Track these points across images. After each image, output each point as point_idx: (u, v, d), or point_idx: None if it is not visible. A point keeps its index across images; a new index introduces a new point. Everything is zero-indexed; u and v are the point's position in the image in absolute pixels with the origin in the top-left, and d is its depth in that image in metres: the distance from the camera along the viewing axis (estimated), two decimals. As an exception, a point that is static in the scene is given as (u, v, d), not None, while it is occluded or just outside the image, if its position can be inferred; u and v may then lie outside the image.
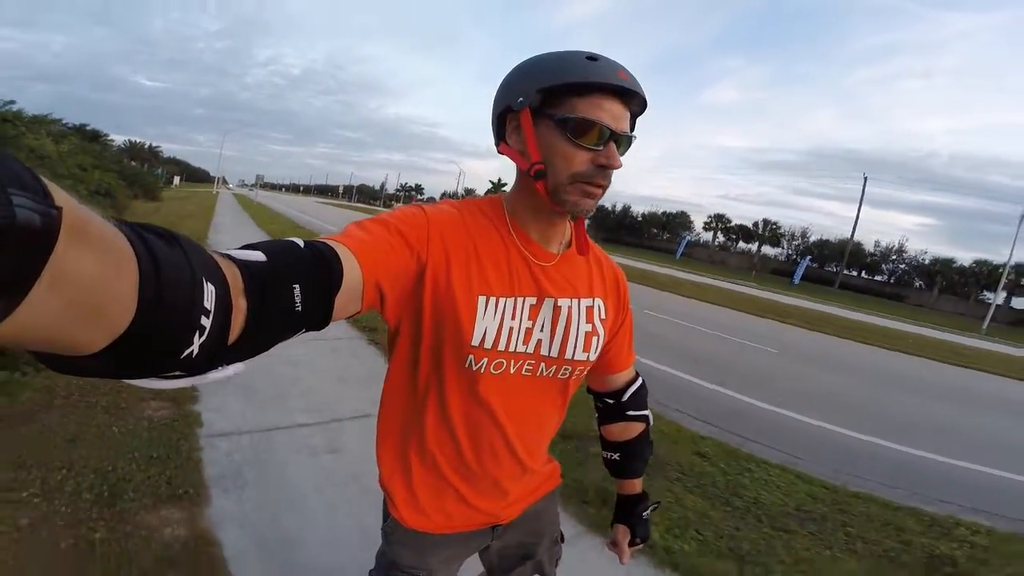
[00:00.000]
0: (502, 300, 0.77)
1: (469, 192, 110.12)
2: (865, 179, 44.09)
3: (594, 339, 0.86)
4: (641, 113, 0.78)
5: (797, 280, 38.23)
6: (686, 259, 49.73)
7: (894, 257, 51.72)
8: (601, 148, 0.71)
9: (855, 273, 53.51)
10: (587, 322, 0.85)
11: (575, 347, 0.84)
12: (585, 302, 0.85)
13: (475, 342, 0.76)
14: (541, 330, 0.81)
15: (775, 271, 51.08)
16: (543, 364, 0.83)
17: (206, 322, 0.34)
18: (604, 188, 0.75)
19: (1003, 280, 32.55)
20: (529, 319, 0.80)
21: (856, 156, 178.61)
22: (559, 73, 0.71)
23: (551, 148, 0.72)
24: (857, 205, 45.39)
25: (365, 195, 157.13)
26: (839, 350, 10.51)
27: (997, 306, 45.05)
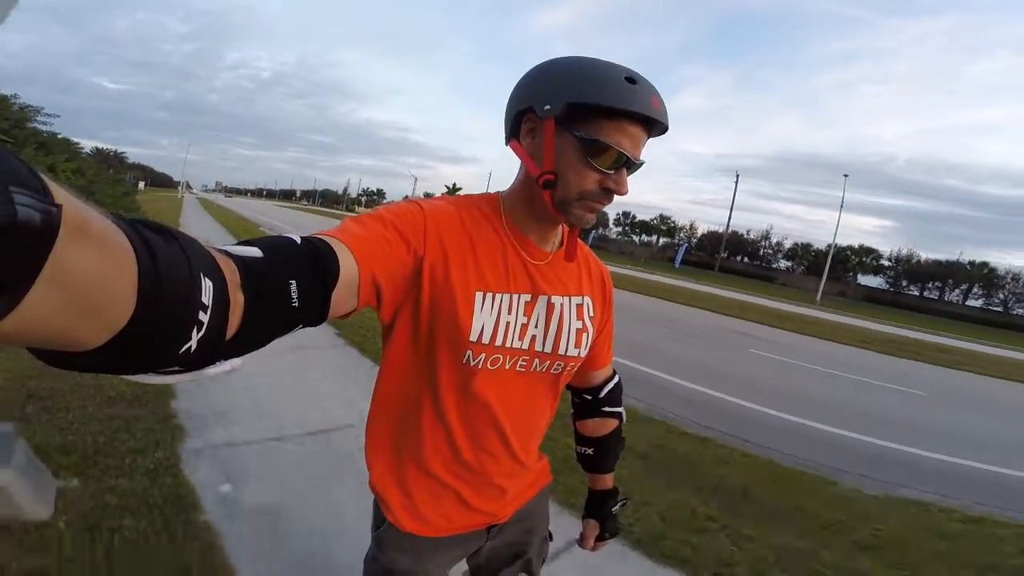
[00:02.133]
0: (498, 296, 0.77)
1: (429, 196, 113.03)
2: (737, 177, 51.83)
3: (584, 336, 0.87)
4: (658, 136, 0.78)
5: (678, 264, 45.02)
6: (597, 251, 55.97)
7: (763, 243, 60.14)
8: (612, 173, 0.72)
9: (738, 259, 61.60)
10: (578, 319, 0.86)
11: (568, 343, 0.84)
12: (576, 300, 0.86)
13: (473, 337, 0.75)
14: (536, 326, 0.81)
15: (669, 259, 58.12)
16: (537, 360, 0.83)
17: (204, 317, 0.34)
18: (606, 205, 0.76)
19: (828, 261, 40.10)
20: (524, 315, 0.80)
21: (819, 161, 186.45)
22: (596, 92, 0.68)
23: (566, 162, 0.72)
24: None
25: (328, 199, 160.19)
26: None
27: (847, 282, 53.29)
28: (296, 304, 0.46)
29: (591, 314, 0.89)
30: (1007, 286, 49.57)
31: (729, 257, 59.51)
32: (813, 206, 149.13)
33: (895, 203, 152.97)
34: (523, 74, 0.77)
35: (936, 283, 52.10)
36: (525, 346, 0.81)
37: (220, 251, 0.41)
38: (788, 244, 58.11)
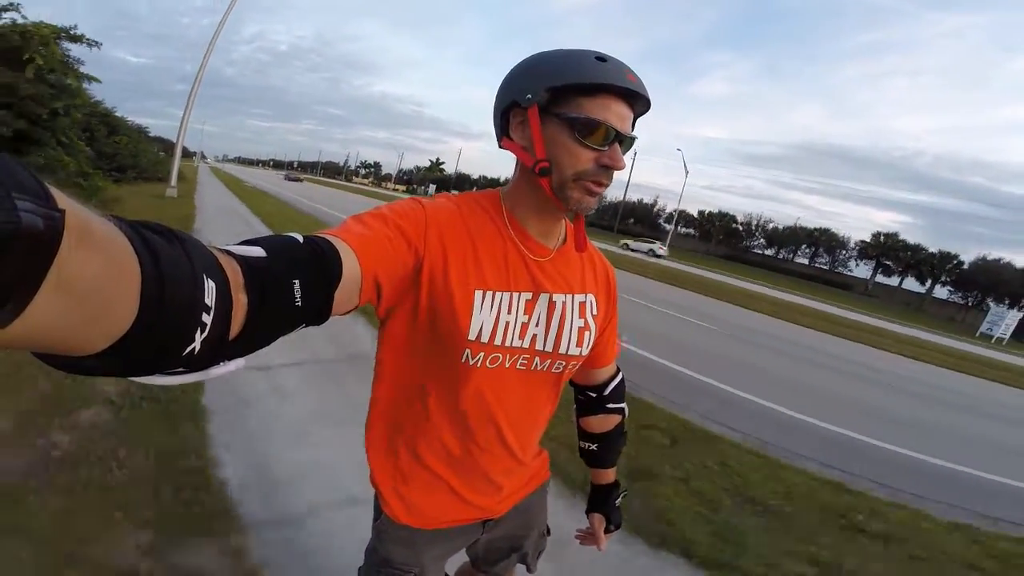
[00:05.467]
0: (498, 295, 0.77)
1: (420, 170, 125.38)
2: (635, 154, 62.86)
3: (586, 334, 0.86)
4: (644, 113, 0.78)
5: (575, 224, 57.04)
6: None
7: (657, 211, 72.45)
8: (606, 148, 0.72)
9: (642, 225, 73.60)
10: (580, 317, 0.85)
11: (569, 342, 0.83)
12: (579, 298, 0.85)
13: (472, 336, 0.75)
14: (536, 325, 0.81)
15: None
16: (538, 359, 0.82)
17: (207, 319, 0.33)
18: (606, 187, 0.75)
19: (675, 221, 51.79)
20: (525, 314, 0.79)
21: (842, 153, 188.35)
22: (570, 73, 0.70)
23: (557, 146, 0.72)
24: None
25: (330, 171, 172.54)
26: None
27: (710, 242, 65.06)
28: (300, 304, 0.46)
29: (594, 312, 0.88)
30: (835, 249, 61.35)
31: (635, 223, 71.70)
32: (831, 197, 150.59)
33: (918, 199, 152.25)
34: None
35: (789, 247, 63.94)
36: (525, 345, 0.80)
37: (223, 251, 0.41)
38: (668, 210, 70.06)
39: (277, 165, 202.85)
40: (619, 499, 1.13)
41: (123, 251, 0.27)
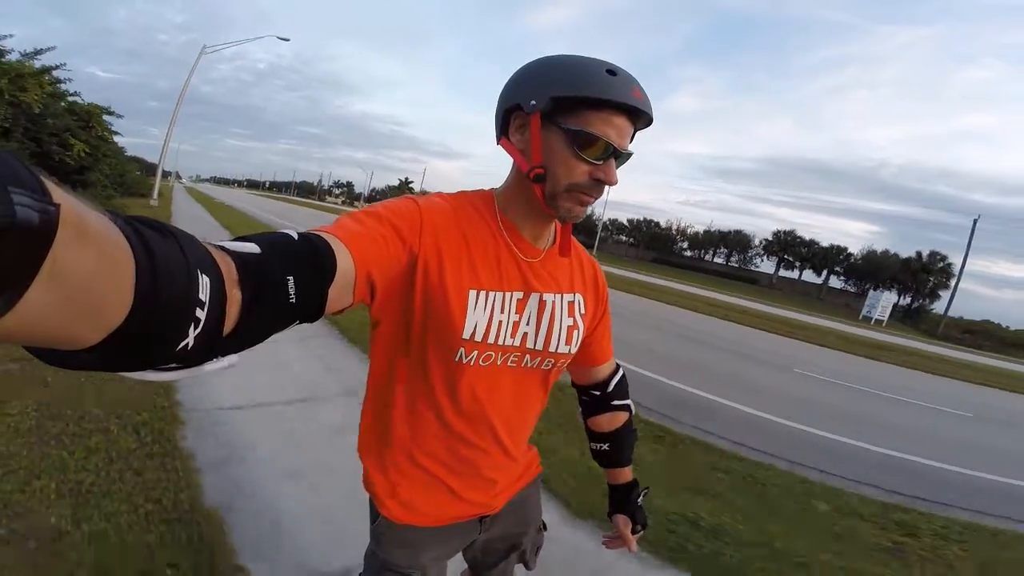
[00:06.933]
0: (491, 294, 0.77)
1: (391, 189, 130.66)
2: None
3: (575, 333, 0.87)
4: (644, 128, 0.78)
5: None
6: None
7: (595, 220, 79.90)
8: (601, 163, 0.72)
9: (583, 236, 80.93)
10: (569, 316, 0.86)
11: (558, 340, 0.85)
12: (567, 297, 0.86)
13: (466, 335, 0.76)
14: (527, 324, 0.82)
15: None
16: (528, 356, 0.84)
17: (201, 314, 0.33)
18: (596, 199, 0.76)
19: (599, 229, 58.61)
20: (516, 313, 0.80)
21: (812, 165, 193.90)
22: (578, 84, 0.69)
23: (554, 155, 0.72)
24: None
25: (304, 190, 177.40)
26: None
27: (638, 247, 72.54)
28: (293, 301, 0.45)
29: (582, 311, 0.89)
30: (746, 248, 69.13)
31: (575, 232, 78.87)
32: (803, 210, 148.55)
33: (888, 208, 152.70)
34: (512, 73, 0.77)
35: (711, 248, 71.73)
36: (517, 343, 0.81)
37: (217, 247, 0.40)
38: (605, 219, 77.70)
39: (252, 185, 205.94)
40: (641, 497, 1.10)
41: (118, 245, 0.27)
